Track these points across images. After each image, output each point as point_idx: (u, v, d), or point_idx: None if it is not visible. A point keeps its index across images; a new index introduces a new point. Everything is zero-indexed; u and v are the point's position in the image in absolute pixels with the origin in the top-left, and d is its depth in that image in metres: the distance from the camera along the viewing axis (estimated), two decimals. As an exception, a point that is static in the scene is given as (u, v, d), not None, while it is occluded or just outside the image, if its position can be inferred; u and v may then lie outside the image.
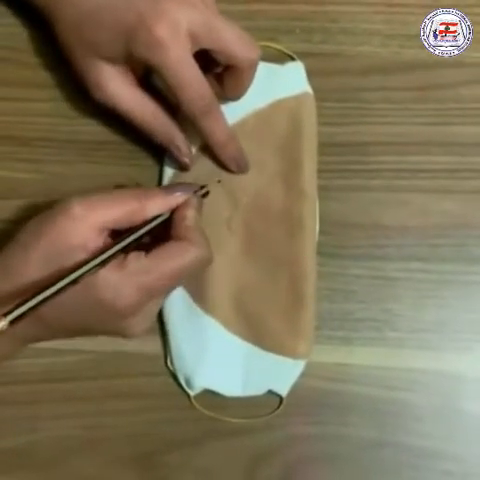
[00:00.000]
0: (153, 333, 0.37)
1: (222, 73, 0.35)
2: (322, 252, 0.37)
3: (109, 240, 0.32)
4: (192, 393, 0.36)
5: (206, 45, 0.33)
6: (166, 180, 0.38)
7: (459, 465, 0.36)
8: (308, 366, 0.36)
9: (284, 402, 0.36)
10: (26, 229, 0.32)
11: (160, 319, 0.37)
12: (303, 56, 0.39)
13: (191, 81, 0.33)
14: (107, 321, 0.32)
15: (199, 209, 0.33)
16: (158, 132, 0.36)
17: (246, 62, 0.34)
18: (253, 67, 0.35)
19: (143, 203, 0.32)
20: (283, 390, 0.36)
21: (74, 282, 0.29)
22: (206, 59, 0.34)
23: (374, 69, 0.39)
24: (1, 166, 0.39)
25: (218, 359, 0.36)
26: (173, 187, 0.33)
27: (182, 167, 0.37)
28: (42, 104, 0.39)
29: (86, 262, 0.30)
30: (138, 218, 0.32)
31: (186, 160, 0.37)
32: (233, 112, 0.36)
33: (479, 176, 0.38)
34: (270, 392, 0.36)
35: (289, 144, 0.37)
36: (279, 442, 0.37)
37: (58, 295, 0.29)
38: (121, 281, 0.30)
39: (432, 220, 0.38)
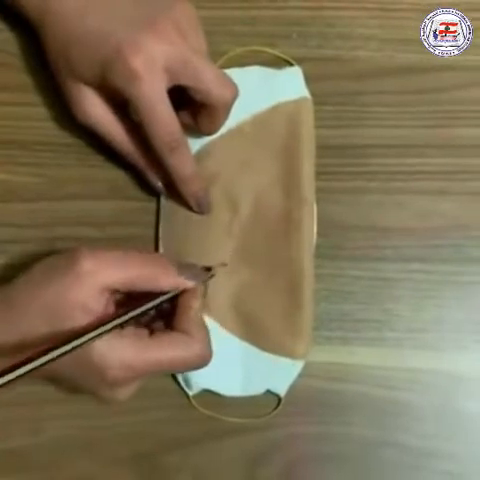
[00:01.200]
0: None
1: (197, 109, 0.35)
2: (321, 254, 0.38)
3: (111, 300, 0.32)
4: (191, 393, 0.37)
5: (182, 81, 0.33)
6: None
7: (458, 464, 0.37)
8: (308, 366, 0.37)
9: (282, 402, 0.37)
10: (32, 273, 0.32)
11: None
12: (300, 61, 0.39)
13: (161, 116, 0.33)
14: (92, 385, 0.32)
15: (205, 294, 0.33)
16: (133, 159, 0.37)
17: (221, 101, 0.34)
18: (228, 106, 0.35)
19: (153, 275, 0.31)
20: (281, 390, 0.36)
21: (69, 351, 0.29)
22: (182, 94, 0.34)
23: (370, 73, 0.40)
24: (1, 170, 0.39)
25: (217, 359, 0.36)
26: (184, 268, 0.33)
27: (157, 191, 0.38)
28: (42, 109, 0.39)
29: (85, 332, 0.29)
30: (144, 287, 0.31)
31: (159, 185, 0.37)
32: (232, 117, 0.36)
33: (476, 177, 0.39)
34: (269, 392, 0.37)
35: (288, 148, 0.38)
36: (278, 442, 0.37)
37: (50, 363, 0.28)
38: (114, 355, 0.30)
39: (430, 221, 0.38)
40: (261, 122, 0.38)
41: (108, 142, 0.36)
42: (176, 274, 0.32)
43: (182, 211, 0.38)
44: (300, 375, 0.37)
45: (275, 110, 0.38)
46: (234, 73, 0.38)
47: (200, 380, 0.36)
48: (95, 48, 0.33)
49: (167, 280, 0.32)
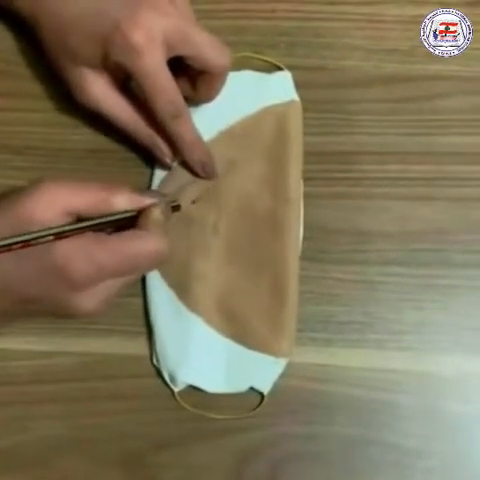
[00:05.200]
0: (140, 335, 0.38)
1: (195, 77, 0.37)
2: (306, 257, 0.38)
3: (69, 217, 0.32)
4: (176, 389, 0.37)
5: (180, 52, 0.35)
6: (155, 187, 0.39)
7: (439, 462, 0.37)
8: (293, 367, 0.37)
9: (266, 401, 0.37)
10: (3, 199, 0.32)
11: (146, 317, 0.38)
12: (288, 69, 0.40)
13: (163, 87, 0.35)
14: (56, 291, 0.32)
15: (166, 214, 0.34)
16: (140, 135, 0.37)
17: (218, 68, 0.36)
18: (224, 72, 0.36)
19: (111, 195, 0.33)
20: (265, 388, 0.37)
21: (23, 243, 0.30)
22: (180, 63, 0.36)
23: (356, 82, 0.41)
24: (-4, 173, 0.40)
25: (201, 356, 0.37)
26: (145, 191, 0.34)
27: (165, 167, 0.38)
28: (35, 114, 0.40)
29: (40, 230, 0.30)
30: (104, 208, 0.32)
31: (168, 160, 0.38)
32: (222, 118, 0.37)
33: (455, 184, 0.40)
34: (253, 390, 0.37)
35: (276, 150, 0.39)
36: (265, 441, 0.37)
37: (3, 252, 0.29)
38: (75, 251, 0.31)
39: (411, 226, 0.39)
40: (250, 124, 0.39)
41: (114, 122, 0.37)
42: (134, 193, 0.33)
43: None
44: (285, 375, 0.37)
45: (265, 112, 0.39)
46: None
47: (185, 376, 0.37)
48: (93, 27, 0.34)
49: (124, 199, 0.33)
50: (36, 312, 0.34)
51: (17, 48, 0.41)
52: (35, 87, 0.40)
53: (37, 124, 0.40)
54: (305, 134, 0.40)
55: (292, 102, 0.39)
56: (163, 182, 0.39)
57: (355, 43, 0.41)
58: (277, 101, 0.39)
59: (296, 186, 0.39)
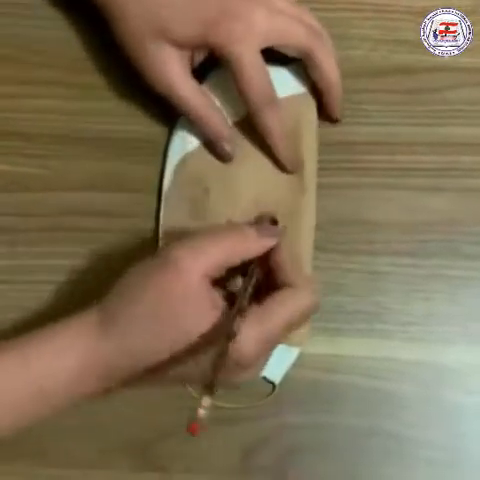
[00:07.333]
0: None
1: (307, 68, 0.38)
2: (315, 247, 0.38)
3: (209, 282, 0.32)
4: (188, 378, 0.37)
5: (274, 43, 0.37)
6: (168, 175, 0.39)
7: (443, 453, 0.37)
8: (301, 356, 0.38)
9: (276, 390, 0.37)
10: (128, 281, 0.32)
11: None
12: (297, 59, 0.40)
13: (258, 76, 0.36)
14: (228, 374, 0.31)
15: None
16: (211, 122, 0.38)
17: (313, 43, 0.37)
18: (322, 45, 0.37)
19: (239, 246, 0.32)
20: (276, 377, 0.37)
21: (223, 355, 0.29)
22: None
23: (365, 72, 0.41)
24: (6, 160, 0.40)
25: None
26: (261, 229, 0.33)
27: (225, 158, 0.39)
28: (47, 101, 0.40)
29: (220, 333, 0.29)
30: (234, 260, 0.32)
31: (229, 149, 0.38)
32: (235, 109, 0.37)
33: (464, 175, 0.40)
34: (264, 379, 0.37)
35: (290, 141, 0.38)
36: (272, 431, 0.38)
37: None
38: (246, 341, 0.30)
39: (420, 217, 0.39)
40: None
41: (184, 107, 0.37)
42: (257, 238, 0.33)
43: (186, 202, 0.38)
44: (294, 365, 0.37)
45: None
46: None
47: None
48: (195, 11, 0.36)
49: (255, 248, 0.33)
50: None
51: (27, 34, 0.41)
52: (46, 74, 0.41)
53: (48, 111, 0.40)
54: (315, 124, 0.40)
55: (306, 94, 0.39)
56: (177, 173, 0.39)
57: (364, 33, 0.41)
58: (291, 93, 0.39)
59: (312, 177, 0.39)
